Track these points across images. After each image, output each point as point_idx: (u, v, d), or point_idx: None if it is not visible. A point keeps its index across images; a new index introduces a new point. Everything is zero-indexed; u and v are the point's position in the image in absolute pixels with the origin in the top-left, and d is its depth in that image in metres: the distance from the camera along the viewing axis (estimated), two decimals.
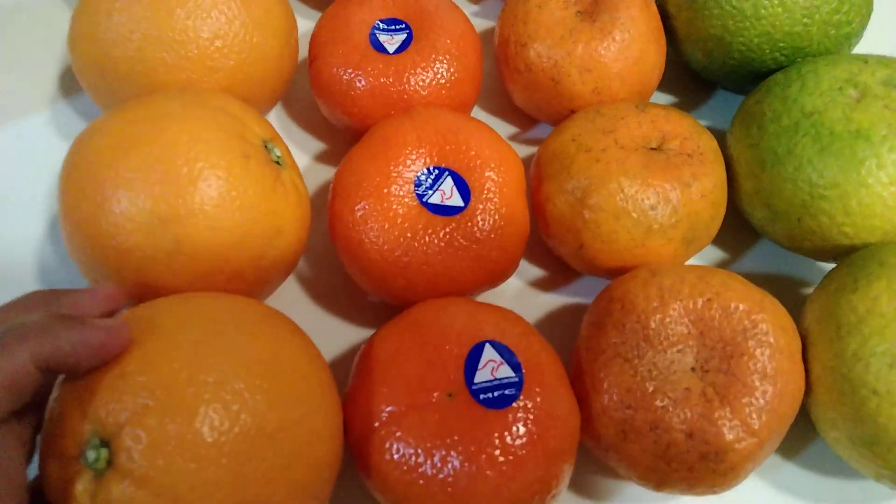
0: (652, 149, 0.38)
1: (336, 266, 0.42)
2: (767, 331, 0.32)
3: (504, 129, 0.48)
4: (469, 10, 0.53)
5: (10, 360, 0.24)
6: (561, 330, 0.41)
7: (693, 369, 0.33)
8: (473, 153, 0.37)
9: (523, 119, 0.48)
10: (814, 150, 0.36)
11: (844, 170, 0.36)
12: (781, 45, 0.41)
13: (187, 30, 0.38)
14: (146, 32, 0.38)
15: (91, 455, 0.25)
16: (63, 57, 0.50)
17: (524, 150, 0.47)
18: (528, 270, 0.43)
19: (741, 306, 0.33)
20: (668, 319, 0.33)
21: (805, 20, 0.41)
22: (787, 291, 0.42)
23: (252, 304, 0.32)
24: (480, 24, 0.52)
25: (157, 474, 0.25)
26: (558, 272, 0.43)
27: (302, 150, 0.47)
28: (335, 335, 0.40)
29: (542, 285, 0.42)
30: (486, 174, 0.37)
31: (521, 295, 0.42)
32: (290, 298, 0.41)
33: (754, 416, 0.31)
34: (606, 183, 0.37)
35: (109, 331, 0.27)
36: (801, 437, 0.38)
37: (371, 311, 0.41)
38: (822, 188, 0.36)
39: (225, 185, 0.33)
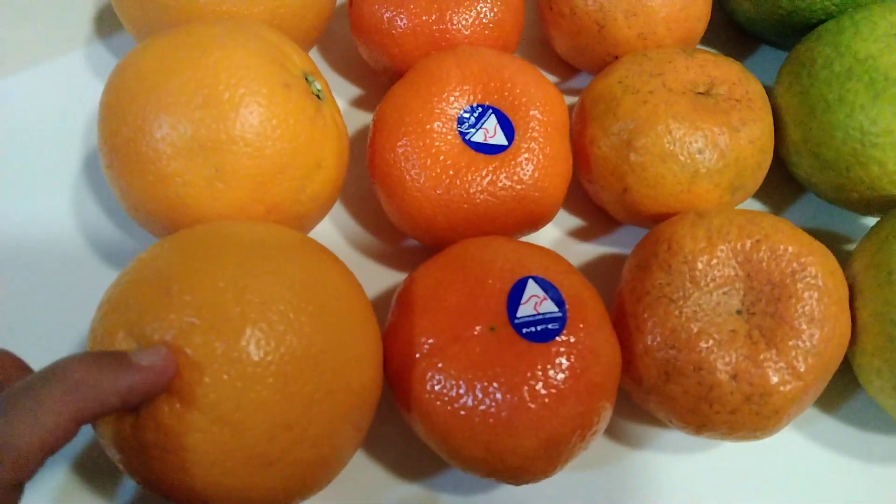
0: (700, 93, 0.38)
1: (372, 209, 0.42)
2: (816, 274, 0.32)
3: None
4: None
5: (52, 416, 0.22)
6: (600, 280, 0.40)
7: (739, 311, 0.32)
8: (518, 91, 0.36)
9: (564, 68, 0.48)
10: (867, 97, 0.35)
11: None
12: None
13: None
14: None
15: None
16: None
17: (565, 100, 0.46)
18: (567, 220, 0.42)
19: (790, 249, 0.32)
20: (714, 261, 0.32)
21: None
22: (830, 246, 0.41)
23: (293, 232, 0.32)
24: None
25: (203, 392, 0.25)
26: (598, 221, 0.42)
27: (339, 94, 0.46)
28: (371, 279, 0.40)
29: (580, 235, 0.42)
30: (531, 113, 0.36)
31: (560, 244, 0.41)
32: (326, 240, 0.41)
33: (800, 358, 0.31)
34: (654, 125, 0.36)
35: (157, 371, 0.25)
36: (840, 392, 0.37)
37: (408, 255, 0.41)
38: (875, 135, 0.35)
39: (266, 113, 0.33)
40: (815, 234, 0.42)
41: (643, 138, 0.36)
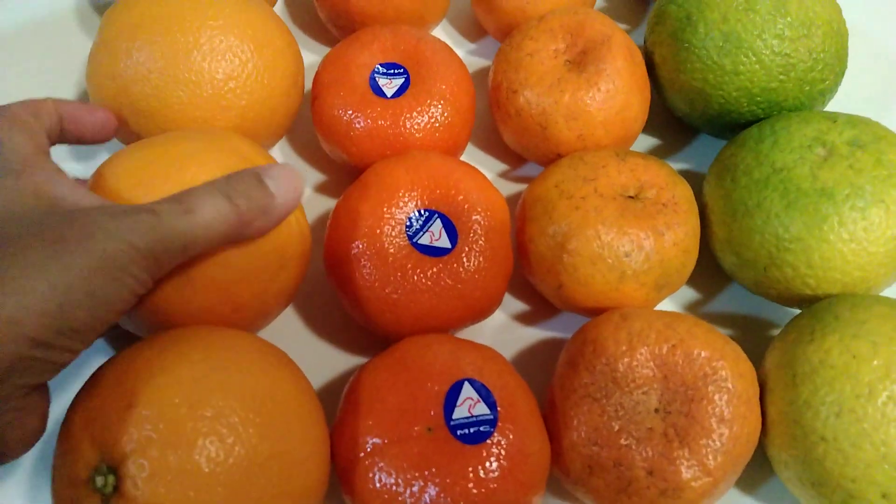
0: (629, 197, 0.41)
1: (329, 294, 0.44)
2: (726, 377, 0.35)
3: (495, 165, 0.51)
4: (466, 48, 0.56)
5: None
6: (540, 362, 0.43)
7: (656, 410, 0.35)
8: (462, 197, 0.40)
9: (513, 157, 0.51)
10: (781, 205, 0.39)
11: (808, 225, 0.38)
12: (759, 99, 0.44)
13: (203, 71, 0.40)
14: (164, 72, 0.40)
15: (99, 480, 0.28)
16: (79, 84, 0.53)
17: (513, 188, 0.50)
18: (512, 304, 0.45)
19: (703, 353, 0.35)
20: (635, 363, 0.35)
21: (781, 77, 0.43)
22: (754, 332, 0.45)
23: (249, 339, 0.35)
24: (476, 63, 0.55)
25: (159, 501, 0.28)
26: (540, 306, 0.45)
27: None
28: (326, 360, 0.43)
29: (524, 319, 0.45)
30: (474, 217, 0.39)
31: (504, 328, 0.45)
32: (285, 324, 0.44)
33: (710, 456, 0.34)
34: (584, 229, 0.39)
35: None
36: (759, 473, 0.40)
37: (362, 338, 0.44)
38: (787, 241, 0.39)
39: None
40: (742, 319, 0.45)
41: (575, 241, 0.39)
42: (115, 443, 0.29)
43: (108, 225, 0.28)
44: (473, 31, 0.57)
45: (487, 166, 0.51)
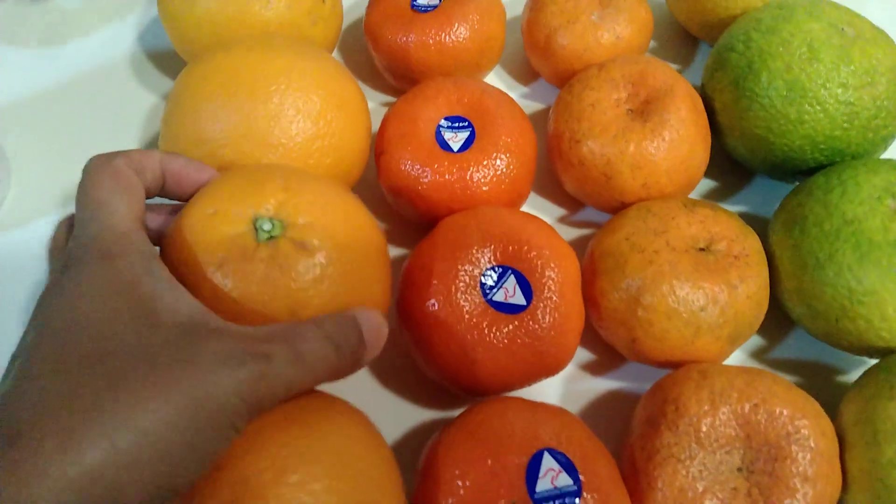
0: (700, 249, 0.41)
1: (401, 347, 0.45)
2: (808, 436, 0.35)
3: (554, 210, 0.51)
4: (519, 91, 0.56)
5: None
6: (610, 415, 0.43)
7: (740, 469, 0.35)
8: (534, 253, 0.40)
9: (572, 201, 0.51)
10: (853, 258, 0.39)
11: (882, 279, 0.38)
12: (822, 147, 0.44)
13: (292, 135, 0.40)
14: (253, 137, 0.39)
15: None
16: (139, 131, 0.54)
17: (573, 232, 0.50)
18: (580, 354, 0.45)
19: (785, 411, 0.36)
20: (717, 423, 0.36)
21: (845, 125, 0.43)
22: (822, 378, 0.45)
23: (332, 401, 0.35)
24: (530, 106, 0.55)
25: None
26: (607, 355, 0.45)
27: None
28: (398, 414, 0.43)
29: (591, 369, 0.45)
30: (547, 273, 0.40)
31: (572, 378, 0.45)
32: (356, 376, 0.44)
33: None
34: (659, 284, 0.39)
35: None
36: None
37: (434, 391, 0.44)
38: (861, 294, 0.39)
39: None
40: (809, 366, 0.45)
41: (649, 296, 0.39)
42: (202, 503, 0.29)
43: (218, 374, 0.25)
44: (526, 74, 0.57)
45: (547, 211, 0.51)
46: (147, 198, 0.33)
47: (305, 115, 0.40)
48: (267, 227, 0.34)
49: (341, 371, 0.31)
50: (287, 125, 0.40)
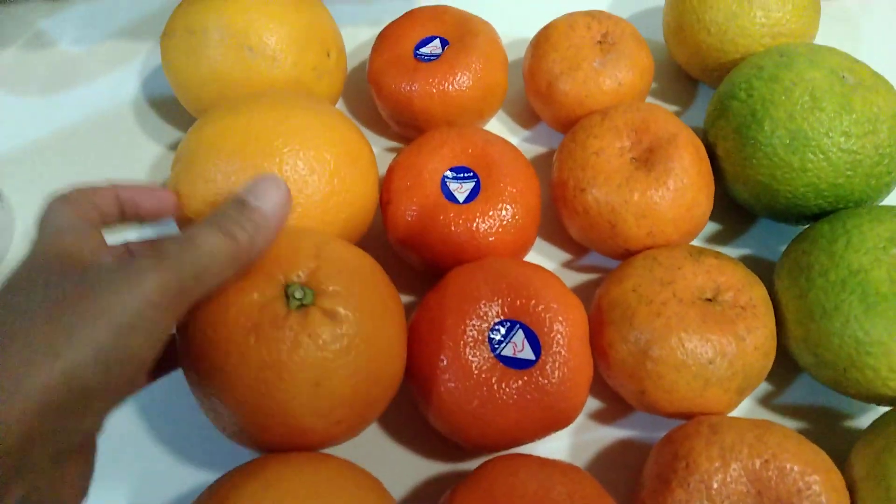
0: (707, 300, 0.41)
1: (409, 401, 0.44)
2: (820, 492, 0.35)
3: (559, 255, 0.51)
4: (521, 135, 0.57)
5: None
6: (619, 465, 0.43)
7: None
8: (542, 307, 0.40)
9: (576, 246, 0.51)
10: (860, 309, 0.39)
11: (889, 329, 0.38)
12: (826, 194, 0.44)
13: (309, 193, 0.41)
14: None
15: None
16: (143, 176, 0.54)
17: (579, 277, 0.50)
18: (588, 402, 0.45)
19: (796, 467, 0.35)
20: (728, 479, 0.36)
21: (848, 172, 0.43)
22: (831, 423, 0.45)
23: (346, 467, 0.35)
24: (532, 150, 0.56)
25: None
26: (615, 404, 0.45)
27: None
28: (406, 468, 0.43)
29: (599, 417, 0.45)
30: (555, 327, 0.40)
31: (580, 429, 0.45)
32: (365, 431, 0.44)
33: None
34: (668, 337, 0.39)
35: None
36: None
37: (443, 446, 0.44)
38: (868, 345, 0.39)
39: None
40: (817, 412, 0.45)
41: (658, 349, 0.39)
42: None
43: (115, 284, 0.28)
44: (528, 117, 0.57)
45: (552, 257, 0.51)
46: (107, 224, 0.36)
47: (320, 175, 0.41)
48: (299, 294, 0.34)
49: (246, 247, 0.32)
50: (303, 185, 0.40)
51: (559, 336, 0.40)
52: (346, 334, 0.34)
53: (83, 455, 0.30)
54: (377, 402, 0.37)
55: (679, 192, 0.44)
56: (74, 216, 0.33)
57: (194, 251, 0.30)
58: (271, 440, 0.35)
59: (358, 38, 0.61)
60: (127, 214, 0.37)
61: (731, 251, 0.51)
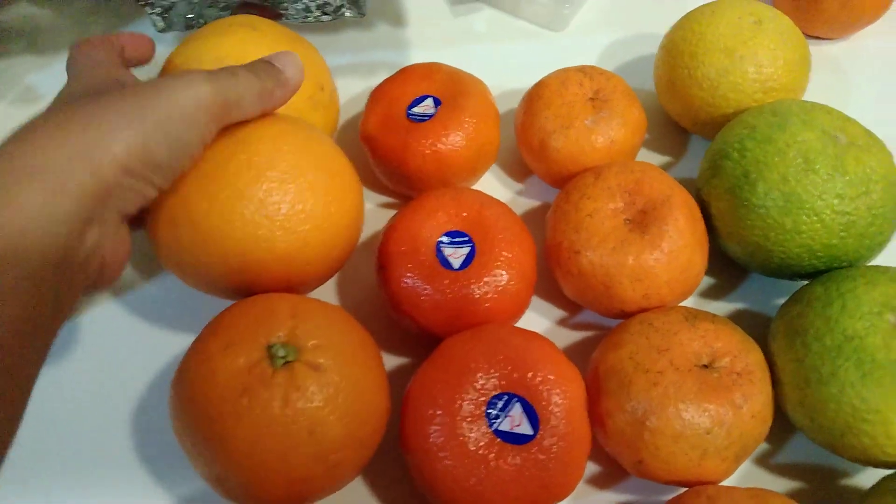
0: (703, 366, 0.41)
1: (402, 472, 0.44)
2: None
3: (554, 313, 0.51)
4: (514, 188, 0.57)
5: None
6: None
7: None
8: (539, 379, 0.40)
9: (571, 305, 0.51)
10: (856, 376, 0.39)
11: (886, 397, 0.38)
12: (820, 254, 0.44)
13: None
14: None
15: None
16: None
17: (574, 335, 0.50)
18: (588, 467, 0.45)
19: None
20: None
21: (842, 233, 0.43)
22: (827, 483, 0.45)
23: None
24: (525, 204, 0.56)
25: None
26: (614, 468, 0.45)
27: None
28: None
29: (598, 482, 0.45)
30: (553, 400, 0.39)
31: (579, 495, 0.44)
32: (360, 499, 0.44)
33: None
34: (665, 407, 0.39)
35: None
36: None
37: None
38: (865, 412, 0.39)
39: None
40: (813, 471, 0.45)
41: (655, 420, 0.39)
42: None
43: (177, 84, 0.36)
44: (520, 170, 0.57)
45: (546, 314, 0.51)
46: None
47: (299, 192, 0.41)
48: (282, 353, 0.37)
49: (270, 92, 0.40)
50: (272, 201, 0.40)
51: (557, 409, 0.39)
52: (331, 382, 0.37)
53: (127, 230, 0.37)
54: (369, 439, 0.39)
55: (674, 254, 0.44)
56: (103, 53, 0.41)
57: (236, 80, 0.38)
58: (276, 495, 0.37)
59: (350, 90, 0.61)
60: (127, 59, 0.44)
61: (726, 305, 0.51)
